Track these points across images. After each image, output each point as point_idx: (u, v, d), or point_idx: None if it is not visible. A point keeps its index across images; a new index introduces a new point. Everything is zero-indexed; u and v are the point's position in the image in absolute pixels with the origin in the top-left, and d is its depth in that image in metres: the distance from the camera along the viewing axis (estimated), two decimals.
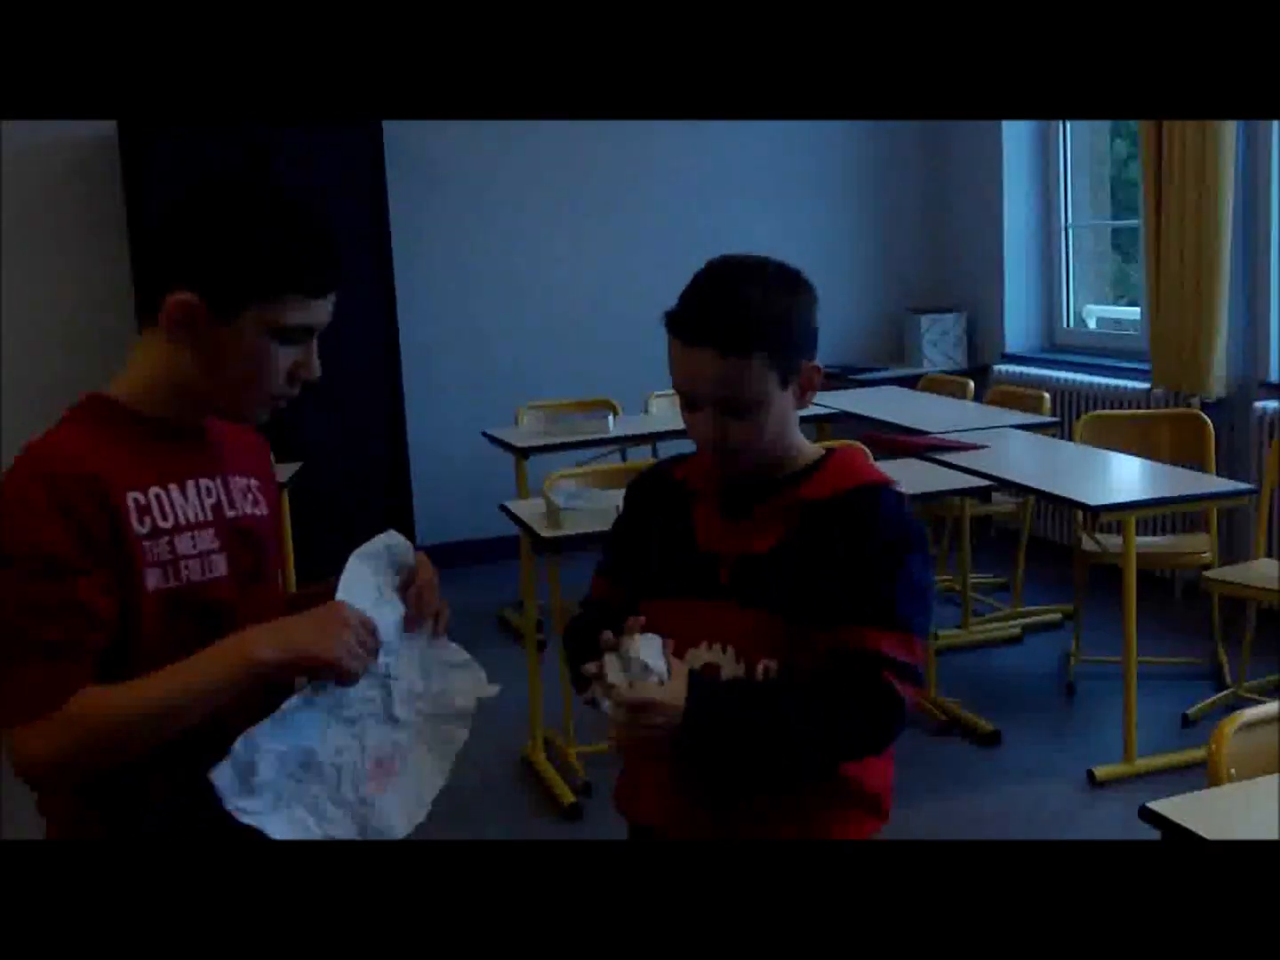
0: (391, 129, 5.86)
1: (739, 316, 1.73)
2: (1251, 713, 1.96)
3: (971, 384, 5.90)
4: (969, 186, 6.82)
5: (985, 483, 4.26)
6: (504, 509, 4.22)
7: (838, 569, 1.76)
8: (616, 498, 4.06)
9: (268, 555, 1.74)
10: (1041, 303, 6.73)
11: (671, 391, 1.87)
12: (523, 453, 5.24)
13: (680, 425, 1.91)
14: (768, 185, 6.79)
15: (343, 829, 1.65)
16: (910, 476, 4.28)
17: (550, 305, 6.59)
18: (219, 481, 1.68)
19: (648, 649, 1.72)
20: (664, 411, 5.64)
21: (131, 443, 1.60)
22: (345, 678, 1.59)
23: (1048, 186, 6.64)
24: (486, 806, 3.94)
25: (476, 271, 6.47)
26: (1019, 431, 4.95)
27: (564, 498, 3.91)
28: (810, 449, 1.89)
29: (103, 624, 1.53)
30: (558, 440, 5.27)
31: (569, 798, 3.91)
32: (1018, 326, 6.71)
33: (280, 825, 1.59)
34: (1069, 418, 5.69)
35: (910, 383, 6.28)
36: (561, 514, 3.83)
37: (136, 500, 1.57)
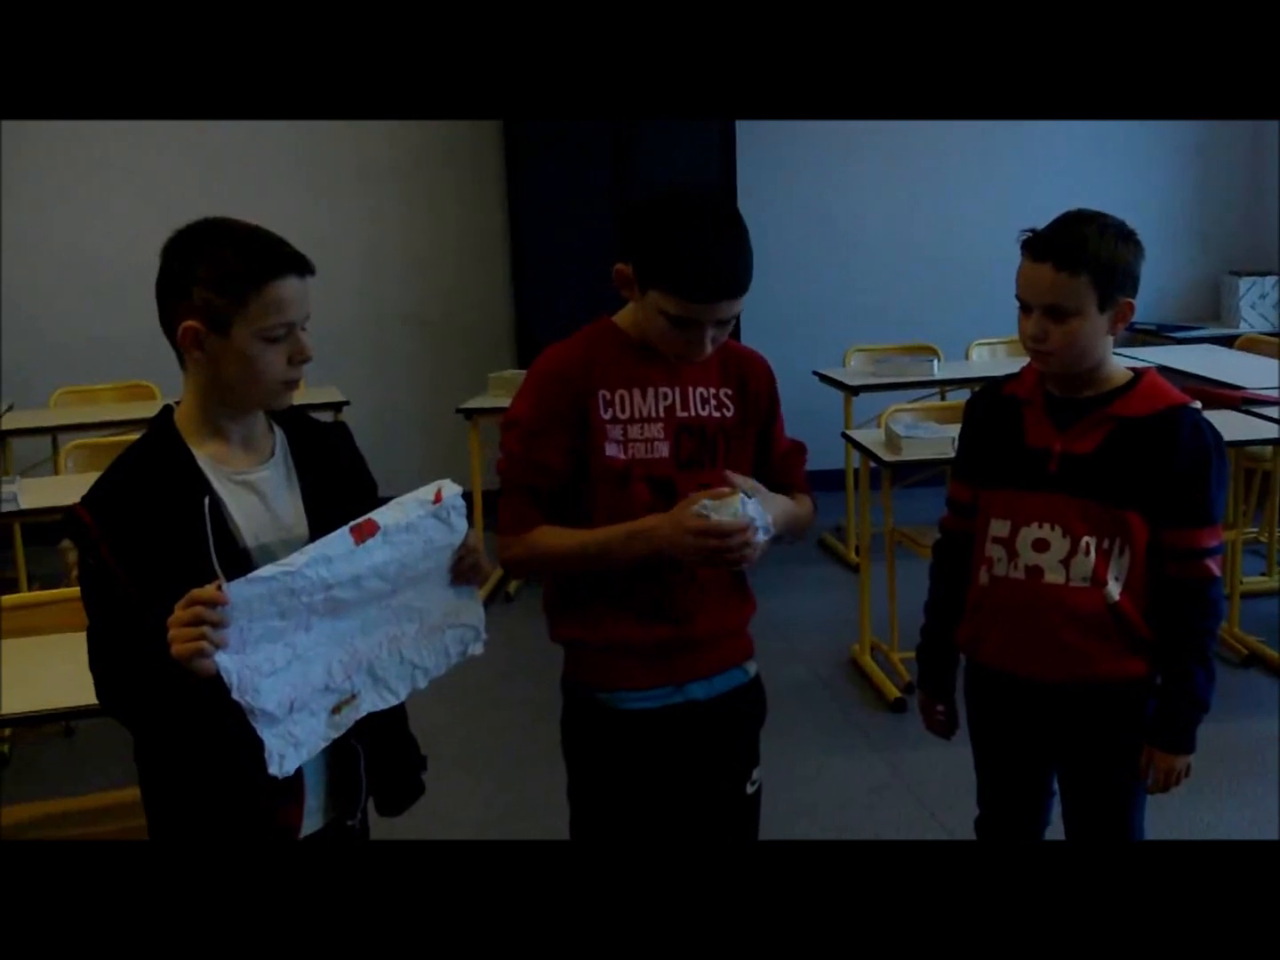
0: None
1: (1075, 243, 2.21)
2: None
3: None
4: None
5: None
6: (846, 436, 4.74)
7: (1157, 474, 2.24)
8: (951, 431, 4.54)
9: (715, 447, 2.23)
10: None
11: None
12: (853, 390, 5.72)
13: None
14: (1091, 145, 6.95)
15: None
16: (1224, 426, 4.54)
17: (877, 256, 6.97)
18: (675, 390, 2.22)
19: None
20: (984, 359, 6.01)
21: (616, 355, 2.20)
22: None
23: None
24: (821, 697, 4.49)
25: (806, 226, 6.90)
26: None
27: (903, 428, 4.39)
28: (1120, 372, 2.33)
29: (556, 474, 2.16)
30: (886, 380, 5.72)
31: (894, 693, 4.41)
32: None
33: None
34: None
35: (1226, 343, 6.41)
36: (902, 441, 4.30)
37: (604, 396, 2.18)
